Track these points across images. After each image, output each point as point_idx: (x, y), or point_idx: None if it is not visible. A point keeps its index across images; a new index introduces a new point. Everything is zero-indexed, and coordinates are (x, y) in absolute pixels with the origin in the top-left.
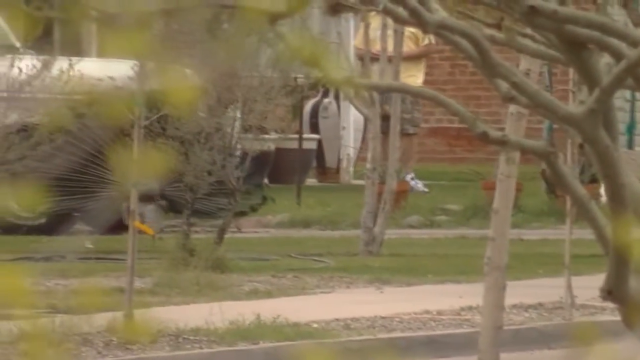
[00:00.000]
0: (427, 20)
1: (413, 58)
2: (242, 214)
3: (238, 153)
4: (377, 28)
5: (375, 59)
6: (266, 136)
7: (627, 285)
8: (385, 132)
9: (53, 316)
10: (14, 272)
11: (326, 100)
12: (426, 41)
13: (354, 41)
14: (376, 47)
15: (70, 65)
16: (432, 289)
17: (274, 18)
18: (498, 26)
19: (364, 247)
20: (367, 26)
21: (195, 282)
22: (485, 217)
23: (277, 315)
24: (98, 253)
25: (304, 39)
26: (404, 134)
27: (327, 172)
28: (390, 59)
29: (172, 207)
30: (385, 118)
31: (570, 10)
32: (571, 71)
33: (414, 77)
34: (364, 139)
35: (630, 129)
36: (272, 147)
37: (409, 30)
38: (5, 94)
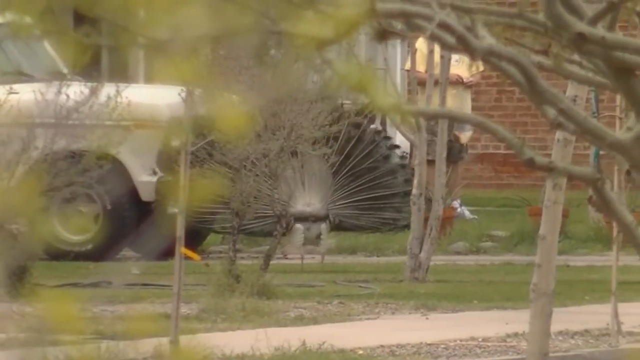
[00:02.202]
0: (474, 47)
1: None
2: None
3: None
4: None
5: (422, 83)
6: None
7: None
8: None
9: (99, 342)
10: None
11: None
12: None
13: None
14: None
15: (118, 92)
16: (478, 316)
17: (322, 44)
18: (546, 52)
19: (410, 274)
20: (414, 52)
21: (241, 308)
22: (531, 244)
23: (323, 342)
24: (144, 279)
25: (351, 65)
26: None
27: None
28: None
29: (338, 226)
30: (456, 141)
31: (618, 36)
32: (619, 98)
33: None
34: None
35: None
36: None
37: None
38: (53, 121)
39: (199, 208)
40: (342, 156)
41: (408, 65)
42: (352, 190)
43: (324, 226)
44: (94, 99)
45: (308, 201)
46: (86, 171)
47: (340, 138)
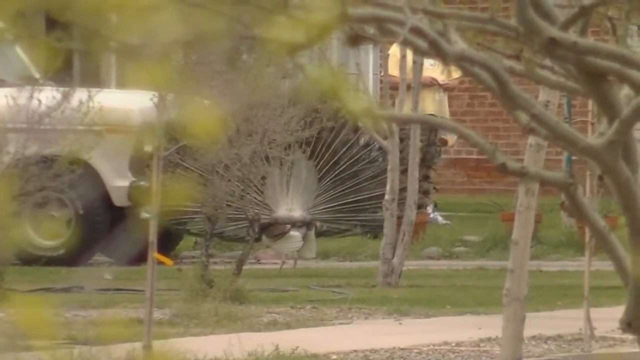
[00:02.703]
0: (446, 52)
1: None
2: None
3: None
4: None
5: (395, 88)
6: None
7: None
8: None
9: (72, 347)
10: (33, 303)
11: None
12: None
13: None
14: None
15: (90, 97)
16: (451, 321)
17: (294, 49)
18: (517, 57)
19: (382, 279)
20: (386, 57)
21: (214, 313)
22: (504, 249)
23: (296, 347)
24: (117, 284)
25: (323, 70)
26: (425, 165)
27: None
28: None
29: (320, 232)
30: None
31: (590, 41)
32: (591, 103)
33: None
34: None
35: None
36: None
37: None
38: (25, 126)
39: (173, 211)
40: (332, 161)
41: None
42: (335, 195)
43: (310, 232)
44: (66, 104)
45: (290, 206)
46: (58, 176)
47: (336, 143)
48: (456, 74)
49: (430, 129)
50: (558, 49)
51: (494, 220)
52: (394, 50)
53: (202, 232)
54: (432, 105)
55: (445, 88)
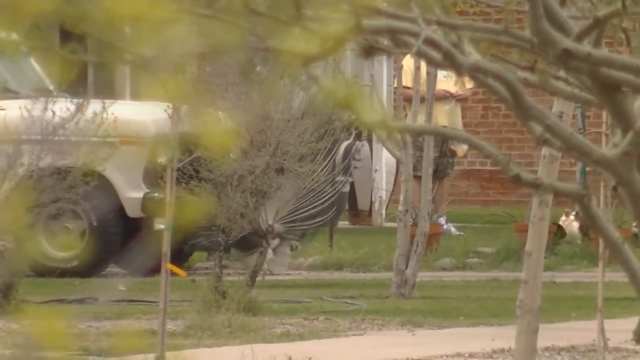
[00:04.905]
0: (460, 63)
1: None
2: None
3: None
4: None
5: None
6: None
7: None
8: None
9: (85, 358)
10: (47, 315)
11: (359, 143)
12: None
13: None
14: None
15: (104, 108)
16: (465, 332)
17: (308, 61)
18: (531, 69)
19: (396, 290)
20: (400, 69)
21: (228, 325)
22: (517, 260)
23: (309, 358)
24: (131, 295)
25: (337, 82)
26: (438, 177)
27: (359, 214)
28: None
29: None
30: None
31: (604, 53)
32: (605, 114)
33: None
34: (396, 182)
35: None
36: None
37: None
38: (39, 137)
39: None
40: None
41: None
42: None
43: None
44: (80, 116)
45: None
46: (72, 188)
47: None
48: (470, 85)
49: (444, 140)
50: (572, 60)
51: (508, 231)
52: (407, 61)
53: (213, 244)
54: (445, 116)
55: (459, 99)
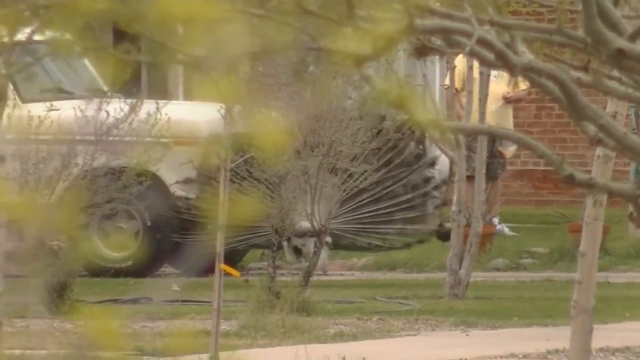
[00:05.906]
0: (514, 63)
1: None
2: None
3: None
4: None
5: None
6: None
7: None
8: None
9: (140, 359)
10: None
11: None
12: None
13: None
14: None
15: (158, 109)
16: (519, 333)
17: (361, 61)
18: (585, 69)
19: (449, 290)
20: (453, 69)
21: (281, 325)
22: (572, 261)
23: (363, 358)
24: (185, 296)
25: (390, 82)
26: (490, 177)
27: None
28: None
29: (337, 243)
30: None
31: None
32: None
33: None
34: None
35: None
36: None
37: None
38: (93, 138)
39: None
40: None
41: (448, 82)
42: (356, 206)
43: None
44: (134, 116)
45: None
46: (126, 188)
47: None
48: (524, 86)
49: (494, 141)
50: (626, 60)
51: (561, 232)
52: (460, 62)
53: (268, 243)
54: (492, 117)
55: (509, 101)
